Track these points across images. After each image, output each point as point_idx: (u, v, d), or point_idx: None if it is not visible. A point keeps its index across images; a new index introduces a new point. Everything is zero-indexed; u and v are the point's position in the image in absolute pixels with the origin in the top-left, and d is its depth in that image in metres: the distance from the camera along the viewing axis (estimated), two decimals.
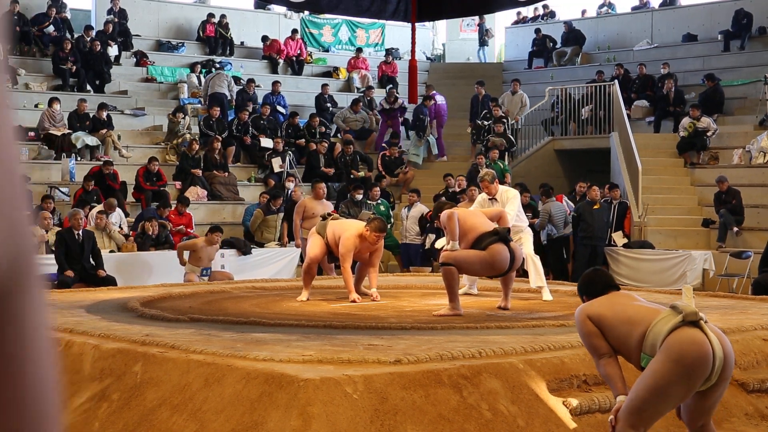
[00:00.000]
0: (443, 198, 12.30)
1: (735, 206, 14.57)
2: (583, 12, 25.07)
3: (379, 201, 14.95)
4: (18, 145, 0.52)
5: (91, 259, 11.15)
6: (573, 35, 23.07)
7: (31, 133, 16.11)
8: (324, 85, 20.31)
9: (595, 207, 14.07)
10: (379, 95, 20.55)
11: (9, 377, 0.48)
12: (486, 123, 18.19)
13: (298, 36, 22.48)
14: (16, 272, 0.48)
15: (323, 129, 18.53)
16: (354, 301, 8.16)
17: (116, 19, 20.46)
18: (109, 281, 10.97)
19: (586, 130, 18.40)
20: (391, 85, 21.02)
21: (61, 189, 14.68)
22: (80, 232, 11.11)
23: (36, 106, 17.39)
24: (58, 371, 0.51)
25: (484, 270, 7.62)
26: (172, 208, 13.88)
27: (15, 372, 0.48)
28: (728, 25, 21.12)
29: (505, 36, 25.99)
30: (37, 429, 0.51)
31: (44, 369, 0.50)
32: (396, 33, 23.98)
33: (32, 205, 13.27)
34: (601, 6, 24.67)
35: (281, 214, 14.59)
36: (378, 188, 15.25)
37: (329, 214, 8.83)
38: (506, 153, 17.58)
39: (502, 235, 7.53)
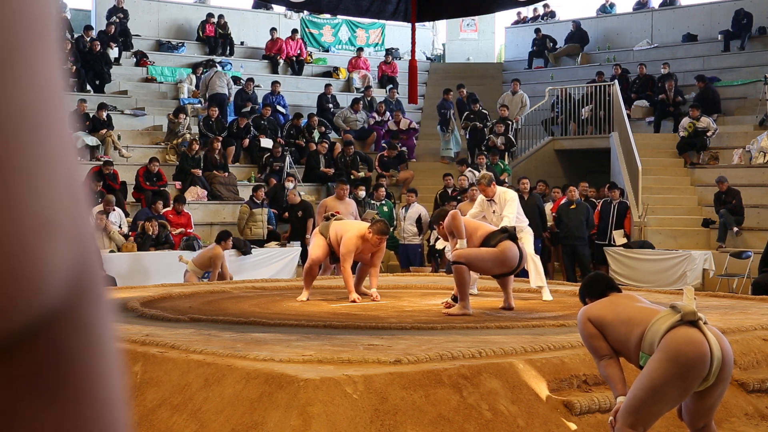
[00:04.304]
0: (451, 202, 12.31)
1: (735, 206, 14.56)
2: (603, 9, 24.82)
3: (383, 201, 14.97)
4: (74, 144, 0.49)
5: None
6: (579, 34, 23.02)
7: None
8: (327, 85, 20.30)
9: (572, 207, 14.09)
10: (378, 95, 20.55)
11: (80, 394, 0.45)
12: (479, 125, 18.14)
13: (298, 36, 22.47)
14: (83, 283, 0.45)
15: (323, 129, 18.51)
16: (354, 301, 8.16)
17: (117, 20, 20.45)
18: (109, 281, 10.97)
19: (586, 130, 18.39)
20: (391, 85, 21.01)
21: None
22: None
23: None
24: (125, 385, 0.49)
25: (495, 267, 7.65)
26: (170, 208, 13.88)
27: (86, 388, 0.45)
28: (728, 25, 21.11)
29: (505, 36, 25.97)
30: None
31: (114, 383, 0.47)
32: (396, 33, 23.97)
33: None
34: (602, 9, 24.56)
35: (266, 209, 14.57)
36: (383, 189, 15.26)
37: (332, 215, 8.83)
38: (506, 153, 17.56)
39: (511, 233, 7.69)
